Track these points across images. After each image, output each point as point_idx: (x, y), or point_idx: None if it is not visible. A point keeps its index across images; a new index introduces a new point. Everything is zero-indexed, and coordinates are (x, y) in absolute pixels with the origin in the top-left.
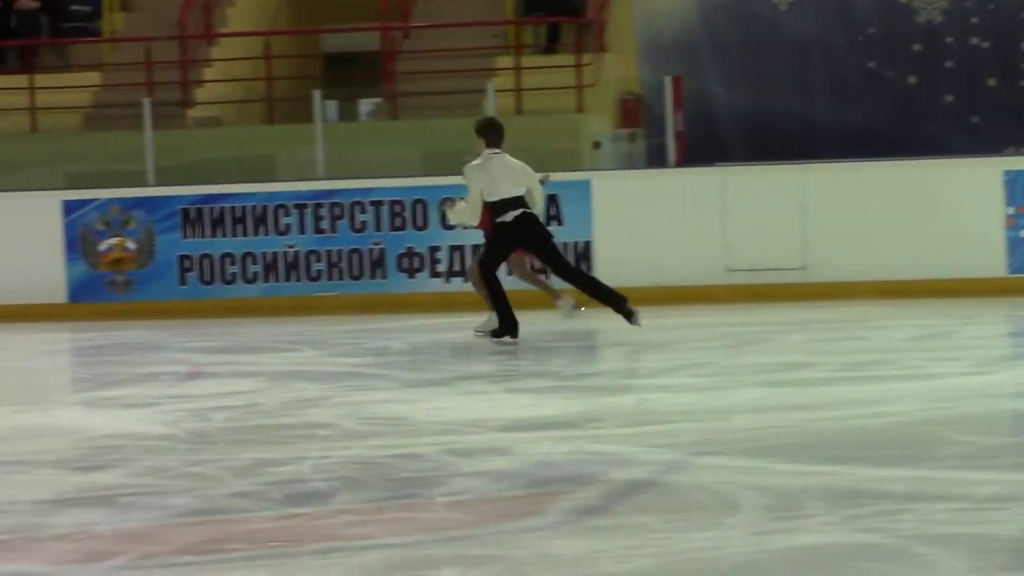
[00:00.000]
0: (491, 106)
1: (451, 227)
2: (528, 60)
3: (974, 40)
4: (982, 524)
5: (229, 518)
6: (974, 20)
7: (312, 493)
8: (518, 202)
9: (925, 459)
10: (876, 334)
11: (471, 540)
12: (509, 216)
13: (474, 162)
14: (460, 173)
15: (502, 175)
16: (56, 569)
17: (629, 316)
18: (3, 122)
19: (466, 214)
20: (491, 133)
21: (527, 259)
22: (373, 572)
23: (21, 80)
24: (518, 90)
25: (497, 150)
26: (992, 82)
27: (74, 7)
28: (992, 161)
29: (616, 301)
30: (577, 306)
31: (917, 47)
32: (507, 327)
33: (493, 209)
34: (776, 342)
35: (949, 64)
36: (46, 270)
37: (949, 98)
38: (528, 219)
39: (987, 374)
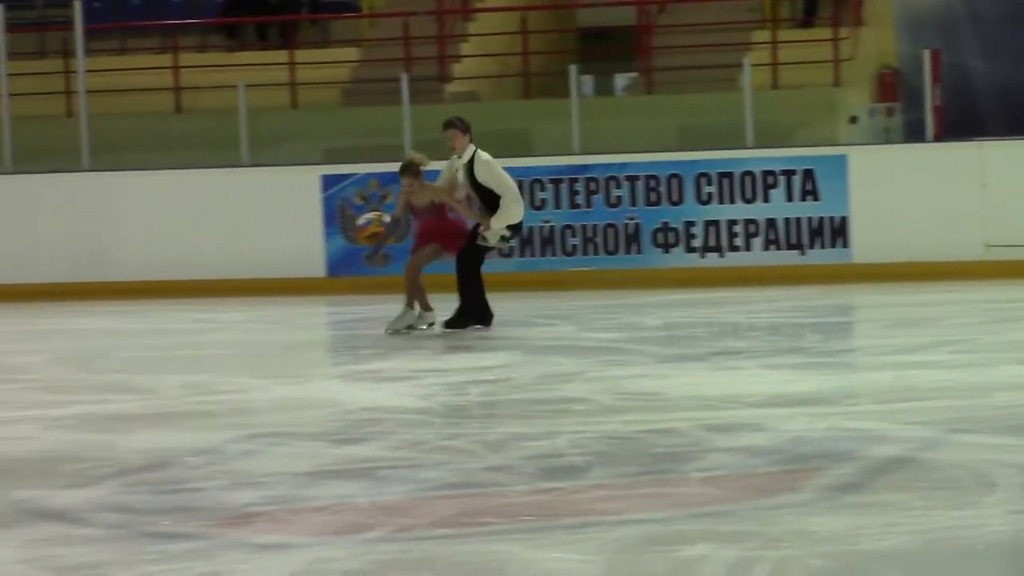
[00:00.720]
0: (747, 81)
1: (492, 248)
2: (784, 34)
3: None
4: None
5: (484, 492)
6: None
7: (567, 468)
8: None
9: None
10: None
11: (725, 516)
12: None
13: (486, 156)
14: (715, 148)
15: None
16: (314, 540)
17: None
18: (264, 97)
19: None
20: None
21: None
22: (627, 547)
23: (281, 56)
24: (774, 64)
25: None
26: None
27: None
28: None
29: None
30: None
31: None
32: (483, 316)
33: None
34: None
35: None
36: (305, 244)
37: None
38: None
39: None
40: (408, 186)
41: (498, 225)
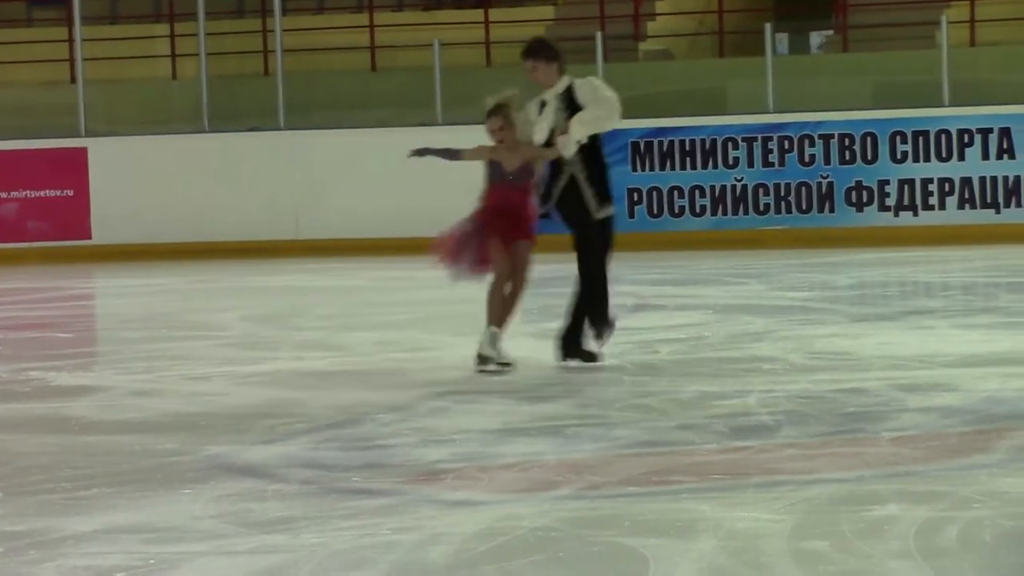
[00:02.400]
0: (944, 38)
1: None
2: None
3: None
4: None
5: (674, 450)
6: None
7: (757, 426)
8: None
9: None
10: None
11: (917, 476)
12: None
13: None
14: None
15: None
16: (502, 497)
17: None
18: (461, 55)
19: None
20: (560, 55)
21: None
22: (817, 507)
23: (476, 15)
24: (972, 21)
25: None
26: None
27: None
28: None
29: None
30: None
31: None
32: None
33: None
34: None
35: None
36: None
37: None
38: None
39: None
40: (499, 132)
41: (582, 131)
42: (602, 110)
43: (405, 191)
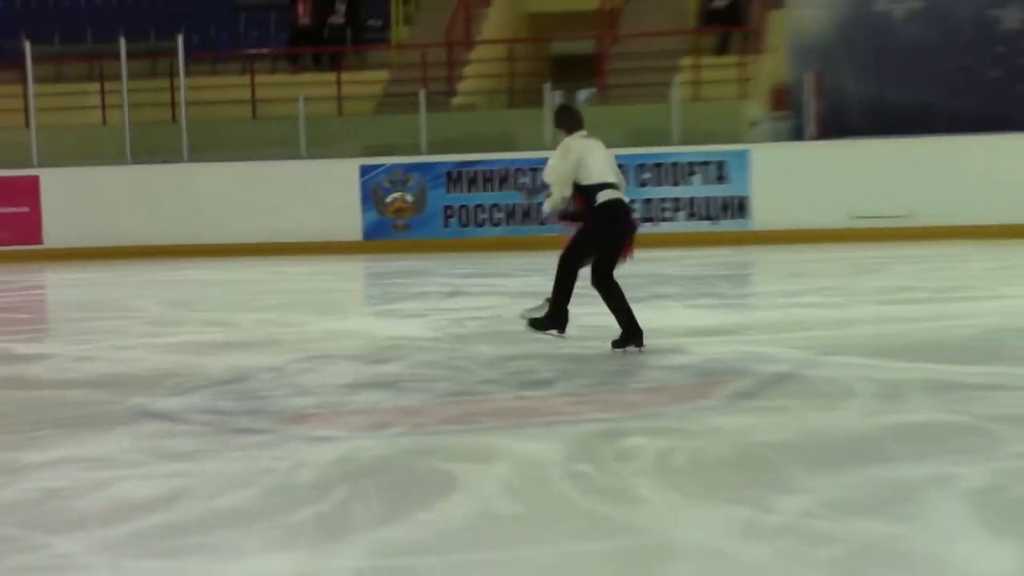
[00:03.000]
0: (675, 95)
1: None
2: (704, 60)
3: None
4: None
5: (479, 398)
6: None
7: (540, 381)
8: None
9: (998, 359)
10: (964, 265)
11: (656, 416)
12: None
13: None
14: (651, 145)
15: (599, 155)
16: (352, 434)
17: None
18: (318, 108)
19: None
20: (567, 120)
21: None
22: (585, 440)
23: (331, 77)
24: (696, 83)
25: (584, 132)
26: None
27: (369, 22)
28: None
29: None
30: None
31: (1001, 48)
32: (558, 321)
33: (587, 193)
34: (887, 271)
35: (1022, 61)
36: (347, 217)
37: (1021, 89)
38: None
39: None
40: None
41: (547, 204)
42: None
43: (278, 208)
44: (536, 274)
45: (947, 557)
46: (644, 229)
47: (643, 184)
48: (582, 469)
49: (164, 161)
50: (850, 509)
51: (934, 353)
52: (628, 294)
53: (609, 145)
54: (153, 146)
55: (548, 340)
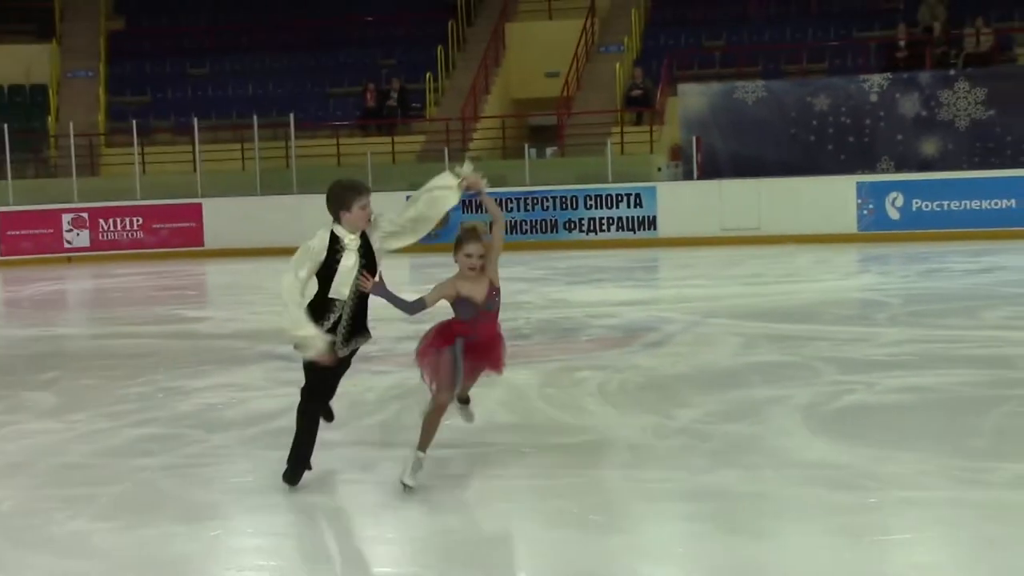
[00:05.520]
0: (609, 151)
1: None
2: (627, 129)
3: (843, 118)
4: (841, 349)
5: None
6: (843, 108)
7: (521, 335)
8: None
9: (818, 320)
10: (794, 261)
11: (598, 357)
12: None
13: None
14: (595, 183)
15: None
16: (400, 369)
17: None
18: (379, 159)
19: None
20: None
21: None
22: (550, 373)
23: (387, 139)
24: (622, 143)
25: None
26: (852, 138)
27: (413, 105)
28: (850, 177)
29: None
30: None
31: (814, 122)
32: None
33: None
34: (745, 264)
35: (831, 130)
36: None
37: (830, 147)
38: None
39: (846, 280)
40: (480, 259)
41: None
42: None
43: None
44: (516, 266)
45: (784, 448)
46: (588, 237)
47: (588, 207)
48: (551, 392)
49: (280, 194)
50: (724, 417)
51: (776, 316)
52: (578, 277)
53: (561, 184)
54: (274, 185)
55: (526, 308)
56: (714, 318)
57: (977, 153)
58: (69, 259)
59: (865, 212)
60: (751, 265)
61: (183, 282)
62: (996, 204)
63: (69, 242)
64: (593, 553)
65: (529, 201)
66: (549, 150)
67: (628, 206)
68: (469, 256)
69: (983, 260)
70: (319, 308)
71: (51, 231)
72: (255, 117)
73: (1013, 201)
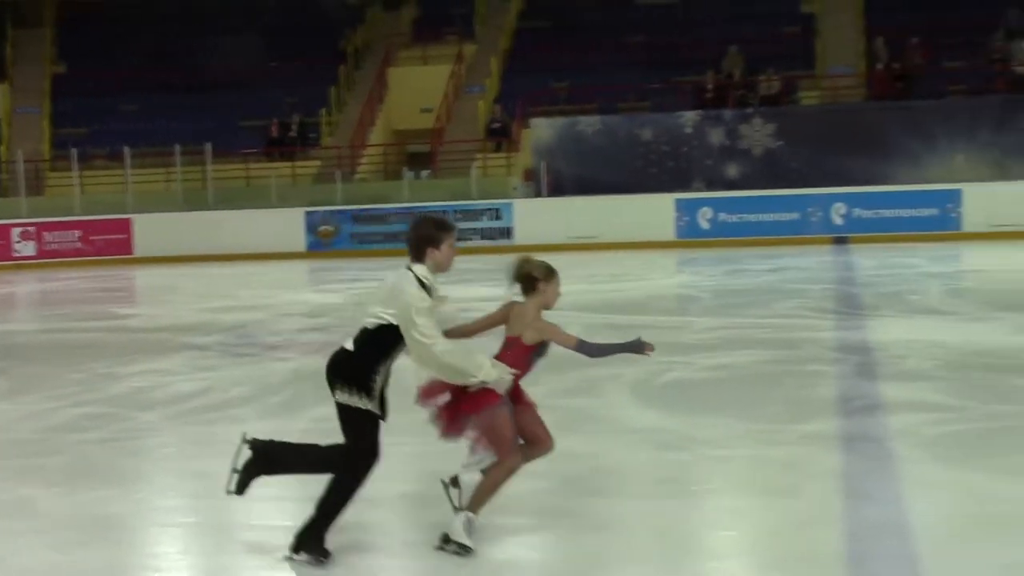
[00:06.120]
0: (473, 173)
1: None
2: (489, 155)
3: (663, 146)
4: (664, 335)
5: None
6: (664, 139)
7: None
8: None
9: (647, 312)
10: (625, 262)
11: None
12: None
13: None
14: (459, 200)
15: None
16: (302, 356)
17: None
18: (282, 181)
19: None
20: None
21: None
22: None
23: (289, 164)
24: (485, 167)
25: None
26: (671, 163)
27: (310, 135)
28: (669, 195)
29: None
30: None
31: (641, 149)
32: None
33: None
34: (588, 266)
35: (654, 156)
36: (296, 238)
37: (653, 170)
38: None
39: (666, 279)
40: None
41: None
42: None
43: (258, 233)
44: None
45: (618, 418)
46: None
47: (456, 220)
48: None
49: (199, 210)
50: (567, 393)
51: (610, 308)
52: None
53: (435, 201)
54: (193, 202)
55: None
56: (563, 310)
57: (769, 176)
58: (18, 266)
59: (681, 223)
60: (590, 266)
61: (116, 285)
62: (784, 217)
63: (18, 251)
64: (447, 511)
65: (409, 215)
66: (424, 173)
67: (489, 219)
68: (558, 296)
69: (774, 262)
70: (376, 361)
71: (3, 243)
72: (177, 146)
73: (797, 214)
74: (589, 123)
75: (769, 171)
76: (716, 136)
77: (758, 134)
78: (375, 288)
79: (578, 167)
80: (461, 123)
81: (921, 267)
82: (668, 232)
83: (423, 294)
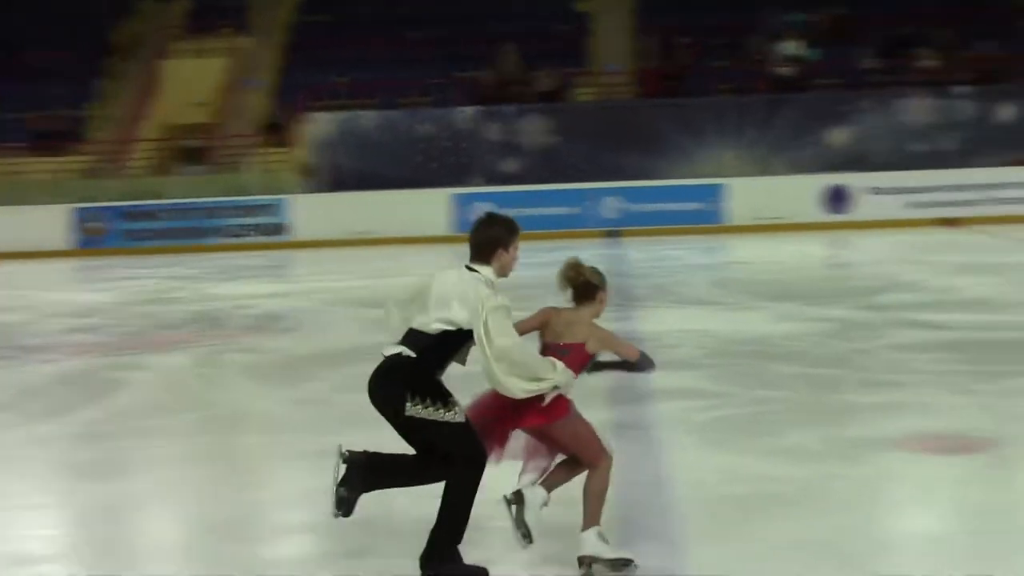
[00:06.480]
0: (250, 168)
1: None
2: (267, 150)
3: (444, 141)
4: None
5: (138, 337)
6: (444, 134)
7: (173, 326)
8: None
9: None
10: (400, 259)
11: (244, 342)
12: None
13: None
14: (237, 195)
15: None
16: (68, 357)
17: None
18: (51, 176)
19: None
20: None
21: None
22: (203, 357)
23: (58, 159)
24: (265, 162)
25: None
26: (451, 158)
27: (79, 129)
28: (448, 189)
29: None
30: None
31: (422, 144)
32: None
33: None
34: (364, 262)
35: (434, 151)
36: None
37: (433, 165)
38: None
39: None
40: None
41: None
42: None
43: (24, 231)
44: (175, 266)
45: None
46: (235, 240)
47: (233, 216)
48: (202, 371)
49: None
50: (346, 389)
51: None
52: (227, 275)
53: (212, 195)
54: None
55: (184, 301)
56: (337, 306)
57: (547, 171)
58: None
59: (457, 218)
60: (369, 262)
61: None
62: (560, 211)
63: None
64: (242, 502)
65: (181, 211)
66: (199, 168)
67: (267, 215)
68: (603, 302)
69: (552, 256)
70: (440, 368)
71: None
72: None
73: (572, 208)
74: (369, 118)
75: (547, 166)
76: (494, 132)
77: (536, 130)
78: (413, 289)
79: (358, 162)
80: (239, 117)
81: (689, 259)
82: (442, 226)
83: (501, 312)
